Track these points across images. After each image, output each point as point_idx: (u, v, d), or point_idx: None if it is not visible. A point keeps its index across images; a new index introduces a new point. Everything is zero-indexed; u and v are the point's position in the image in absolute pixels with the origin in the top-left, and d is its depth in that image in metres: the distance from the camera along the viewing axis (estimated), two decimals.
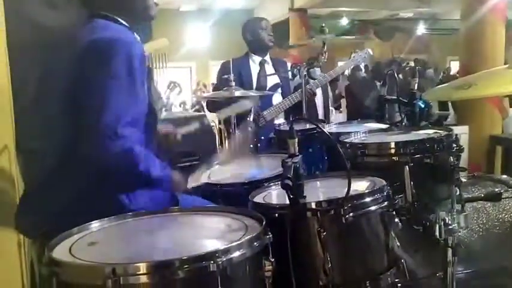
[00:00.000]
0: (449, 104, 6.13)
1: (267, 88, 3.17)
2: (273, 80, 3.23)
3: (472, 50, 4.69)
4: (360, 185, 1.48)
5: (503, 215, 1.79)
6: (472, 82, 1.38)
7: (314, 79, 3.08)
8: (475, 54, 4.61)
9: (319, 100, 5.98)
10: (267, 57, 3.29)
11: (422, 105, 1.86)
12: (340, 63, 4.17)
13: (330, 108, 5.96)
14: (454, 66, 12.29)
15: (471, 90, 1.34)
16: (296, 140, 1.27)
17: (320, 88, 5.82)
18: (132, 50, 1.38)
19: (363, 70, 7.38)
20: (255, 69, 3.24)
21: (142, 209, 1.41)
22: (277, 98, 3.21)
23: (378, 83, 5.07)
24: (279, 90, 3.24)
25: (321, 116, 5.24)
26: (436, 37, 12.14)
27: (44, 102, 1.50)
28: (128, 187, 1.45)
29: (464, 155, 4.33)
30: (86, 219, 1.28)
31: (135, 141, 1.34)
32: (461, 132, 4.47)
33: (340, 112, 6.78)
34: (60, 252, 1.11)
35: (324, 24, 2.59)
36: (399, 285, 1.36)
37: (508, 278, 1.70)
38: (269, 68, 3.27)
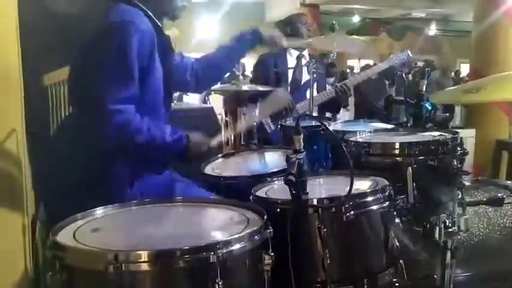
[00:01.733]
0: (457, 106, 6.10)
1: (302, 83, 3.16)
2: (307, 75, 3.12)
3: (483, 53, 4.65)
4: (363, 184, 1.49)
5: (505, 220, 1.79)
6: (481, 86, 1.38)
7: (332, 76, 3.05)
8: (486, 57, 4.56)
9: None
10: (305, 52, 3.26)
11: (429, 107, 1.86)
12: (349, 62, 4.15)
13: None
14: (465, 69, 12.21)
15: (480, 94, 1.34)
16: (301, 136, 1.28)
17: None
18: (135, 32, 1.44)
19: None
20: (291, 63, 3.22)
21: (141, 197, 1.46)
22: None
23: (387, 82, 5.04)
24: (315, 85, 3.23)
25: (328, 113, 5.20)
26: (447, 38, 12.06)
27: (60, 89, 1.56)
28: (138, 167, 1.51)
29: (469, 158, 4.33)
30: (87, 204, 1.32)
31: (132, 114, 1.44)
32: (468, 135, 4.44)
33: (348, 110, 6.76)
34: (64, 236, 1.14)
35: (334, 22, 2.57)
36: (397, 285, 1.37)
37: (506, 282, 1.71)
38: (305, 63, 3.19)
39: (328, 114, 3.49)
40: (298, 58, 3.23)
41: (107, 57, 1.42)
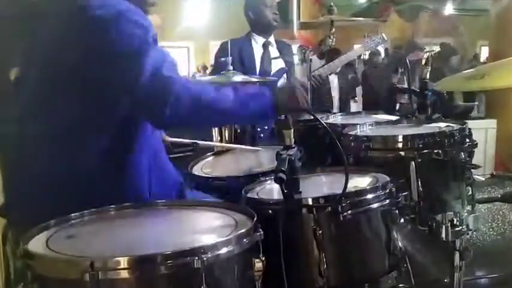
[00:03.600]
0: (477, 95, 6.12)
1: (272, 73, 3.18)
2: (278, 64, 3.23)
3: (503, 33, 4.65)
4: (362, 181, 1.53)
5: None
6: (486, 72, 1.42)
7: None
8: (506, 38, 4.57)
9: (335, 90, 6.01)
10: (272, 39, 3.27)
11: (434, 96, 1.90)
12: (355, 46, 4.18)
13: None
14: (485, 52, 12.21)
15: (484, 81, 1.38)
16: (292, 130, 1.32)
17: (336, 76, 5.83)
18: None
19: (382, 55, 7.36)
20: (257, 51, 3.23)
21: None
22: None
23: (400, 70, 5.08)
24: (285, 76, 3.27)
25: (336, 108, 5.22)
26: (465, 18, 12.07)
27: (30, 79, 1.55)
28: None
29: (490, 152, 4.38)
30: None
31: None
32: (489, 126, 4.49)
33: (356, 101, 6.79)
34: (36, 245, 1.17)
35: (332, 4, 2.61)
36: None
37: None
38: (274, 51, 3.26)
39: None
40: (265, 46, 3.23)
41: (141, 37, 1.40)
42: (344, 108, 5.67)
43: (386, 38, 3.18)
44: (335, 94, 5.91)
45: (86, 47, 1.41)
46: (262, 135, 2.88)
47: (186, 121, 1.47)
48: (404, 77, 4.47)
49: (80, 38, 1.42)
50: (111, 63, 1.39)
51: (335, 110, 5.53)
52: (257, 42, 3.25)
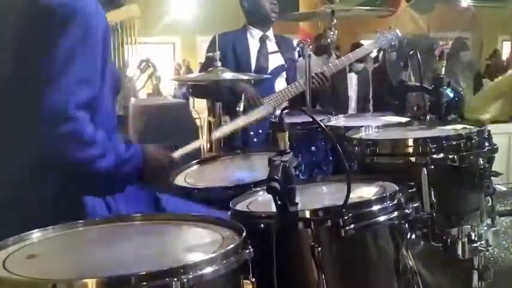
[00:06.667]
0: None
1: (269, 70, 3.20)
2: (276, 60, 3.24)
3: None
4: (367, 191, 1.52)
5: None
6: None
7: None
8: None
9: (352, 90, 6.02)
10: (270, 33, 3.28)
11: (451, 94, 1.90)
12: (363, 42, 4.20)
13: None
14: (507, 47, 12.29)
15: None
16: (286, 133, 1.31)
17: (356, 76, 5.87)
18: (93, 19, 1.47)
19: (394, 54, 7.39)
20: (254, 46, 3.25)
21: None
22: (281, 83, 3.25)
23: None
24: (284, 74, 3.27)
25: (353, 109, 5.22)
26: (485, 10, 12.16)
27: None
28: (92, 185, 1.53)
29: None
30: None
31: (87, 125, 1.44)
32: None
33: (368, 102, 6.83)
34: None
35: None
36: None
37: None
38: (272, 46, 3.27)
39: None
40: (262, 40, 3.24)
41: (67, 47, 1.42)
42: (363, 110, 5.71)
43: (400, 35, 3.15)
44: (352, 94, 5.94)
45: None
46: (255, 139, 2.88)
47: None
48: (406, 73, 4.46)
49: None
50: None
51: (351, 111, 5.57)
52: (253, 36, 3.26)
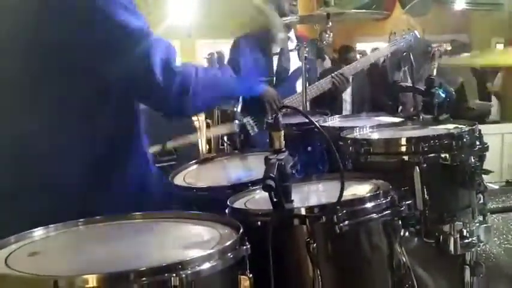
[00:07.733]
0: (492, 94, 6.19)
1: (290, 72, 3.18)
2: (297, 61, 3.11)
3: None
4: (361, 189, 1.53)
5: None
6: None
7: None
8: None
9: (347, 94, 6.00)
10: (291, 34, 3.24)
11: (443, 95, 1.91)
12: (358, 45, 4.19)
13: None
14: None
15: None
16: (282, 132, 1.33)
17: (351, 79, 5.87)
18: None
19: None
20: (275, 47, 3.19)
21: None
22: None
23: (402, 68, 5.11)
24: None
25: (348, 112, 5.18)
26: (479, 13, 12.17)
27: None
28: None
29: (507, 159, 4.40)
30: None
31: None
32: (505, 131, 4.52)
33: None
34: None
35: None
36: None
37: None
38: (293, 47, 3.13)
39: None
40: (283, 41, 3.18)
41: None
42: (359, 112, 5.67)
43: (419, 35, 3.10)
44: (347, 98, 5.92)
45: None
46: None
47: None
48: (399, 74, 4.45)
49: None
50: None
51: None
52: None
